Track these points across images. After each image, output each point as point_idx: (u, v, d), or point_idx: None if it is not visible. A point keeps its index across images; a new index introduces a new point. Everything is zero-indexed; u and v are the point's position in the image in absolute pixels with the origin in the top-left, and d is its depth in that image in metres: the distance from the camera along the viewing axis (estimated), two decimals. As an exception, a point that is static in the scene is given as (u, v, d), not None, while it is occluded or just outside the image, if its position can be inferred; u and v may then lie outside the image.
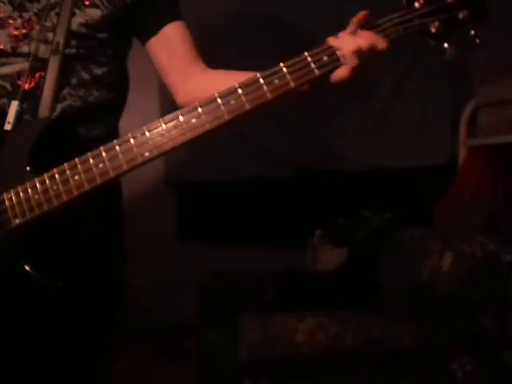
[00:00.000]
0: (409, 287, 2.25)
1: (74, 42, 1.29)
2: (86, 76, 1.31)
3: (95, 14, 1.29)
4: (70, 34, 1.28)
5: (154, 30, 1.36)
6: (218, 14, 3.36)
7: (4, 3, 1.29)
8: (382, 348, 1.95)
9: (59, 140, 1.26)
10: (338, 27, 1.16)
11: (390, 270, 2.43)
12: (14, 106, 1.26)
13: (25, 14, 1.28)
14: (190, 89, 1.38)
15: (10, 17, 1.28)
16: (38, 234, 1.20)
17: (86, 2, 1.30)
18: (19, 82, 1.28)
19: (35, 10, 1.29)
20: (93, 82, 1.32)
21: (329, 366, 1.94)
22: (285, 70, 1.11)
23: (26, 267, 1.18)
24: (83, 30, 1.29)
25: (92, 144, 1.21)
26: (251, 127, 3.42)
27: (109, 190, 1.21)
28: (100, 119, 1.34)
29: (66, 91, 1.29)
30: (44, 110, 1.26)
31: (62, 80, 1.27)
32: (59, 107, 1.28)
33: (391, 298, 2.35)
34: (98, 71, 1.32)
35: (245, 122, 3.75)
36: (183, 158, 3.31)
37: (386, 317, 2.11)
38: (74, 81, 1.30)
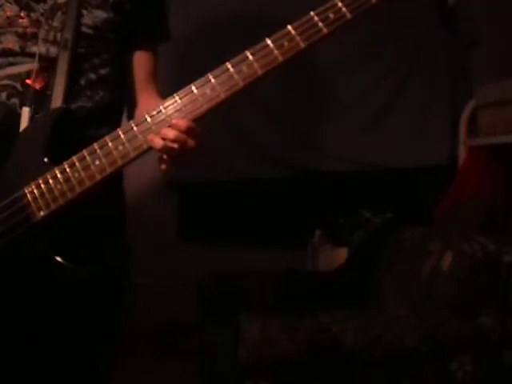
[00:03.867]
0: (409, 287, 2.25)
1: (82, 42, 1.30)
2: (93, 76, 1.32)
3: (101, 15, 1.30)
4: (79, 34, 1.28)
5: (125, 49, 1.40)
6: (217, 12, 3.37)
7: (10, 3, 1.29)
8: (382, 348, 1.95)
9: (72, 139, 1.26)
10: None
11: (390, 270, 2.43)
12: (26, 112, 1.26)
13: (32, 14, 1.29)
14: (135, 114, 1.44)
15: (17, 16, 1.29)
16: (59, 224, 1.20)
17: (93, 4, 1.30)
18: (28, 81, 1.28)
19: (41, 11, 1.29)
20: (99, 82, 1.33)
21: (329, 365, 1.94)
22: (293, 31, 1.12)
23: (57, 258, 1.18)
24: (91, 31, 1.30)
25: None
26: (251, 128, 3.43)
27: (111, 189, 1.22)
28: (106, 118, 1.35)
29: (75, 91, 1.29)
30: None
31: (71, 80, 1.28)
32: (71, 108, 1.28)
33: (391, 297, 2.35)
34: (103, 71, 1.34)
35: (245, 122, 3.74)
36: (183, 159, 3.31)
37: (386, 317, 2.11)
38: (82, 81, 1.31)
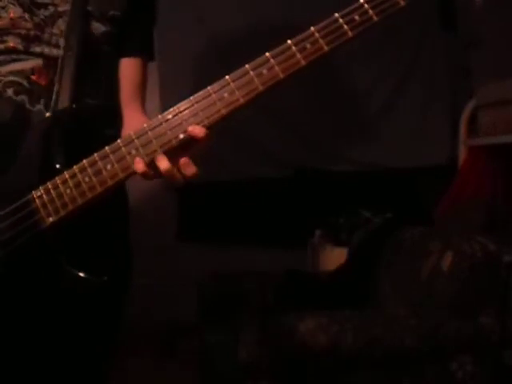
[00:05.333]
0: (409, 287, 2.25)
1: (83, 50, 1.30)
2: (95, 76, 1.33)
3: (100, 28, 1.32)
4: (79, 44, 1.29)
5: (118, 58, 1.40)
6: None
7: (14, 4, 1.29)
8: (382, 348, 1.95)
9: (81, 137, 1.25)
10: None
11: (390, 270, 2.43)
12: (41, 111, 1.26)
13: (35, 18, 1.29)
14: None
15: (21, 17, 1.29)
16: (67, 230, 1.17)
17: (91, 17, 1.31)
18: (33, 78, 1.28)
19: (42, 17, 1.29)
20: (100, 83, 1.34)
21: (329, 365, 1.94)
22: (316, 34, 1.06)
23: (67, 265, 1.16)
24: (91, 41, 1.31)
25: (105, 143, 1.21)
26: (251, 127, 3.42)
27: (115, 191, 1.21)
28: (112, 119, 1.36)
29: (80, 91, 1.30)
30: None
31: (75, 80, 1.28)
32: (80, 107, 1.29)
33: (391, 297, 2.35)
34: (103, 77, 1.35)
35: (245, 122, 3.74)
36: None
37: (386, 317, 2.11)
38: (87, 81, 1.31)
